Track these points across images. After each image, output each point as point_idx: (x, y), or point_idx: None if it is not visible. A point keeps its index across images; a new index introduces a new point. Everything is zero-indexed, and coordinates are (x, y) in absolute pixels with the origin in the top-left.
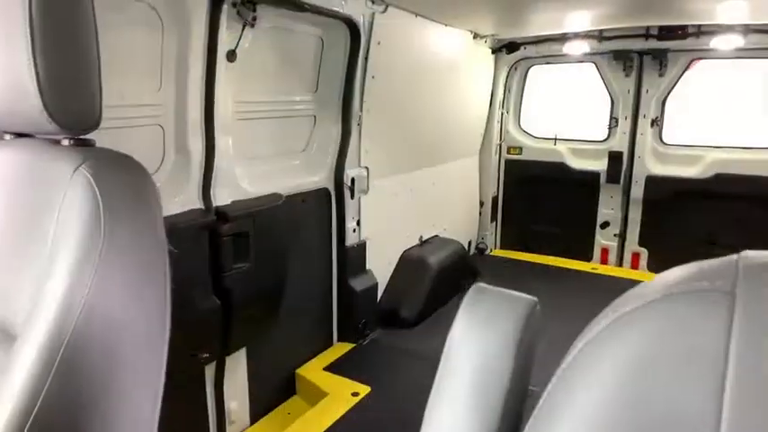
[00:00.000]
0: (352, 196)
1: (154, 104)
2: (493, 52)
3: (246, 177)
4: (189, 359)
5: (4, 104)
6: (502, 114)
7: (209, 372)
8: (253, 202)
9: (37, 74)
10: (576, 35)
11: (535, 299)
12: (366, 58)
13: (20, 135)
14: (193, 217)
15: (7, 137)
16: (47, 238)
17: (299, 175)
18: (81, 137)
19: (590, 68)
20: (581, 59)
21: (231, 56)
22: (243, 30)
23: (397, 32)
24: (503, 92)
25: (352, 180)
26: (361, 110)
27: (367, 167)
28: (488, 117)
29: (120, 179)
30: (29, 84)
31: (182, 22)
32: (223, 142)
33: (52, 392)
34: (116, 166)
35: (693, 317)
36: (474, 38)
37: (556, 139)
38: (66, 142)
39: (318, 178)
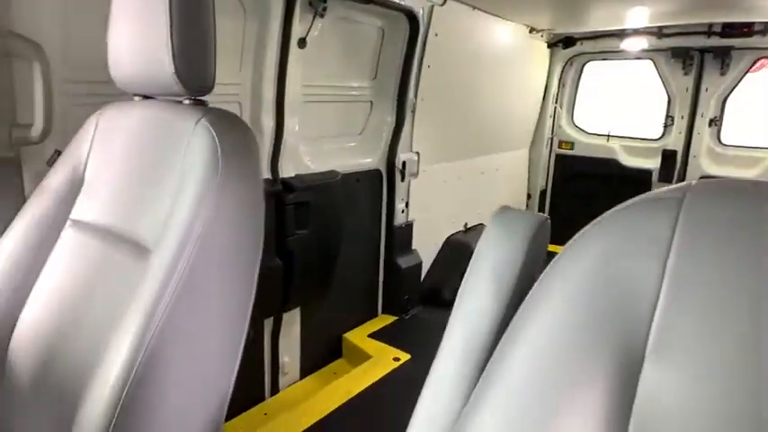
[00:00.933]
0: (403, 179)
1: (234, 83)
2: (549, 47)
3: (308, 154)
4: (254, 311)
5: (139, 71)
6: (555, 109)
7: (268, 326)
8: (313, 177)
9: (172, 45)
10: (635, 31)
11: (546, 216)
12: (423, 49)
13: (146, 97)
14: (264, 186)
15: (136, 98)
16: (174, 175)
17: (355, 156)
18: (198, 98)
19: (647, 65)
20: (638, 56)
21: (302, 43)
22: (313, 19)
23: (454, 25)
24: (557, 87)
25: (404, 163)
26: (416, 98)
27: (418, 153)
28: (541, 111)
29: (232, 130)
30: (165, 53)
31: (261, 11)
32: (291, 121)
33: (172, 300)
34: (228, 120)
35: (644, 215)
36: (530, 32)
37: (609, 135)
38: (186, 102)
39: (372, 160)
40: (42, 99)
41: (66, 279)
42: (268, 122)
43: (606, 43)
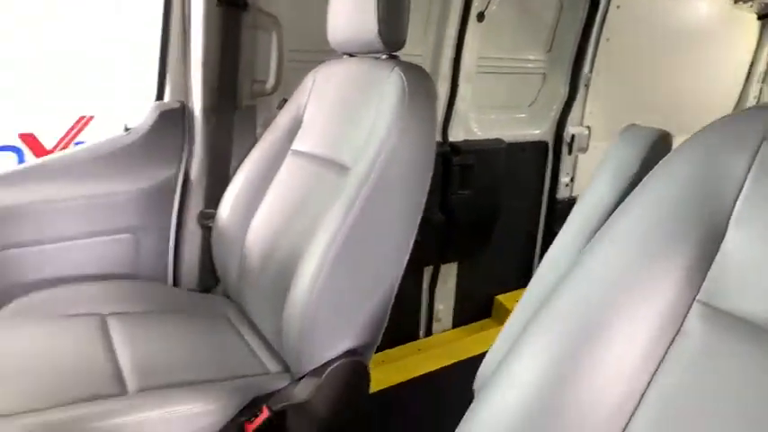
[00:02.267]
0: (570, 152)
1: (416, 54)
2: (759, 18)
3: (477, 122)
4: (416, 255)
5: (350, 33)
6: (761, 90)
7: (427, 273)
8: (479, 143)
9: (378, 12)
10: None
11: (667, 131)
12: (603, 22)
13: (351, 56)
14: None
15: (345, 57)
16: (370, 113)
17: (523, 126)
18: (393, 54)
19: None
20: None
21: (480, 17)
22: None
23: None
24: (766, 65)
25: (572, 137)
26: (591, 71)
27: (589, 127)
28: (742, 93)
29: (418, 79)
30: (372, 18)
31: None
32: (463, 90)
33: (360, 205)
34: (416, 71)
35: (742, 123)
36: (735, 1)
37: None
38: (383, 57)
39: (540, 131)
40: (276, 61)
41: (286, 192)
42: (442, 90)
43: None
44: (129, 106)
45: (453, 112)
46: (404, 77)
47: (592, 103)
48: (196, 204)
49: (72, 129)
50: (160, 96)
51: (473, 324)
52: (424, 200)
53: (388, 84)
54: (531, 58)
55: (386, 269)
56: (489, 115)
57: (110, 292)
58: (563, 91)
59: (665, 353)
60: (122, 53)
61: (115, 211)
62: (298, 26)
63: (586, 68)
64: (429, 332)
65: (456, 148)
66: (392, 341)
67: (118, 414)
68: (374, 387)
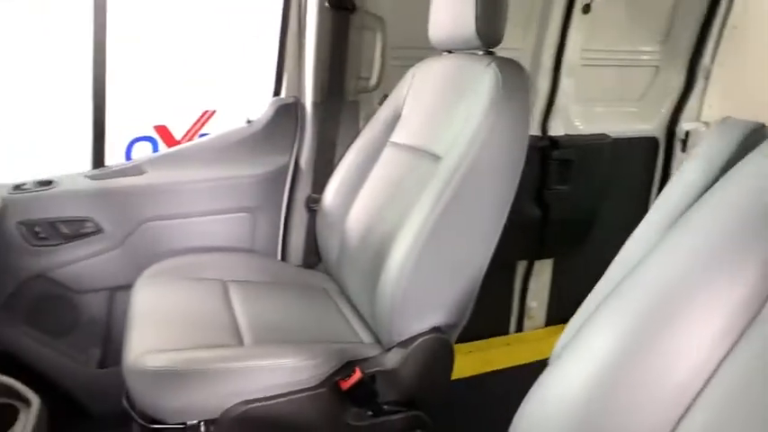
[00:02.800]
0: (684, 149)
1: (516, 48)
2: None
3: (579, 116)
4: (507, 249)
5: (450, 30)
6: None
7: (520, 268)
8: (581, 138)
9: (476, 7)
10: None
11: (762, 123)
12: (729, 7)
13: (449, 52)
14: (532, 140)
15: (444, 54)
16: (464, 106)
17: (630, 121)
18: (489, 49)
19: None
20: None
21: (586, 9)
22: None
23: None
24: None
25: (687, 133)
26: (712, 62)
27: (707, 123)
28: None
29: (512, 74)
30: (470, 16)
31: None
32: (565, 84)
33: (449, 193)
34: (511, 66)
35: None
36: None
37: None
38: (480, 53)
39: (649, 127)
40: (379, 59)
41: (382, 181)
42: (543, 84)
43: None
44: (247, 102)
45: (554, 107)
46: (498, 72)
47: (711, 97)
48: (304, 189)
49: (197, 122)
50: (277, 92)
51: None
52: (513, 191)
53: (483, 78)
54: (642, 49)
55: (472, 255)
56: (593, 109)
57: (230, 262)
58: (677, 84)
59: (740, 337)
60: (243, 55)
61: (236, 193)
62: (401, 25)
63: (707, 59)
64: (520, 328)
65: (555, 143)
66: (481, 334)
67: (235, 359)
68: (459, 374)
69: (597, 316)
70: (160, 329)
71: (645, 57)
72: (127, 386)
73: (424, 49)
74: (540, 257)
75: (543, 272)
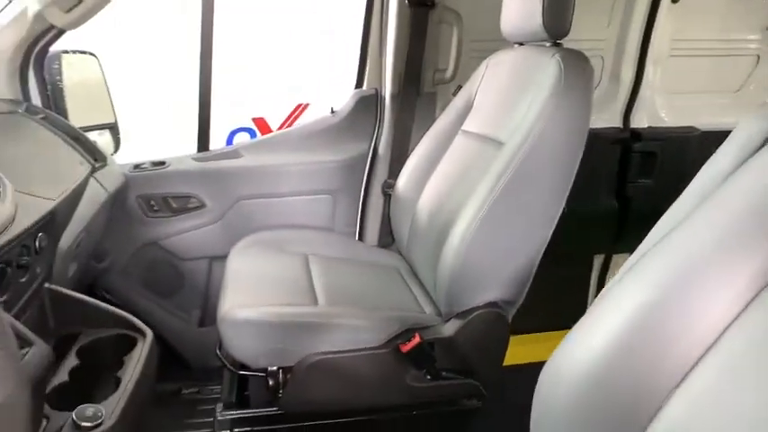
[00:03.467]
0: None
1: (599, 39)
2: None
3: (665, 108)
4: (583, 244)
5: (520, 24)
6: None
7: (597, 262)
8: (666, 130)
9: (543, 2)
10: None
11: None
12: None
13: (520, 45)
14: (612, 132)
15: (515, 45)
16: (529, 95)
17: (726, 114)
18: (556, 42)
19: None
20: None
21: None
22: None
23: None
24: None
25: None
26: None
27: None
28: None
29: (576, 64)
30: (537, 8)
31: None
32: (651, 75)
33: (508, 176)
34: (575, 57)
35: None
36: None
37: None
38: (547, 44)
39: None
40: (455, 52)
41: (451, 167)
42: (627, 75)
43: None
44: (336, 94)
45: (638, 99)
46: (561, 63)
47: None
48: (381, 175)
49: (292, 114)
50: (359, 84)
51: None
52: (570, 181)
53: (547, 69)
54: (741, 37)
55: (528, 236)
56: (681, 101)
57: (312, 238)
58: None
59: (750, 302)
60: (334, 52)
61: (320, 177)
62: (477, 19)
63: None
64: None
65: (637, 135)
66: (555, 325)
67: (311, 316)
68: (529, 359)
69: (627, 275)
70: (249, 290)
71: (744, 45)
72: (220, 336)
73: (498, 42)
74: (620, 251)
75: (622, 266)
